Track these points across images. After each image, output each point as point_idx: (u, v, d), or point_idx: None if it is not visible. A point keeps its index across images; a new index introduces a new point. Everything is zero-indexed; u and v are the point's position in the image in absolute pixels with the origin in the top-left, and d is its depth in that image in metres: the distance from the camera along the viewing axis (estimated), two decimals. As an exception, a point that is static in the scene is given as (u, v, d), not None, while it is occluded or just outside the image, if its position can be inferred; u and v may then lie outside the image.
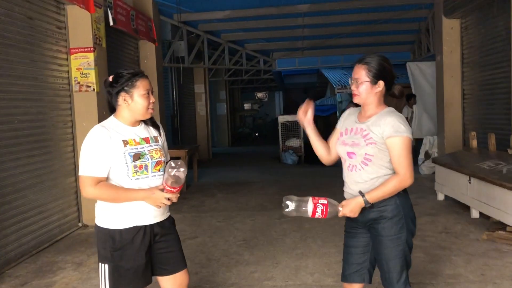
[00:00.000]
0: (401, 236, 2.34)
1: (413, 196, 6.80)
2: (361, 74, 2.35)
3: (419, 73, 9.96)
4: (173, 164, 2.27)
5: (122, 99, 2.31)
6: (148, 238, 2.34)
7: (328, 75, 14.92)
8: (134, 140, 2.33)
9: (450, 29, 8.16)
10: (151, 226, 2.35)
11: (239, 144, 19.34)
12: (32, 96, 5.07)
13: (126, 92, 2.29)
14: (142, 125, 2.43)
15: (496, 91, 7.06)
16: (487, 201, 5.05)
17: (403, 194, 2.38)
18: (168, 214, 2.50)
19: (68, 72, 5.80)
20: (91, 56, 5.81)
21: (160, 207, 2.32)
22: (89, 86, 5.83)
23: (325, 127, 18.05)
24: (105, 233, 2.28)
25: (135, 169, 2.27)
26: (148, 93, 2.33)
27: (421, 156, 9.16)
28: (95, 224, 2.35)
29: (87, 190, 2.23)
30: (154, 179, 2.34)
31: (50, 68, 5.46)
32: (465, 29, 8.03)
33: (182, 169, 2.27)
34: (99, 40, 6.02)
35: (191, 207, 6.93)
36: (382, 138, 2.30)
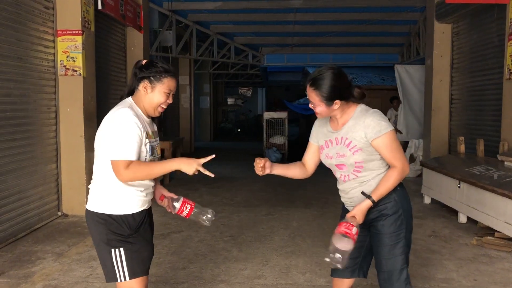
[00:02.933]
0: (400, 233, 2.32)
1: (399, 198, 6.83)
2: (314, 98, 2.28)
3: (407, 76, 9.97)
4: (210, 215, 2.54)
5: (143, 86, 2.25)
6: (147, 219, 2.40)
7: (315, 74, 14.85)
8: (152, 133, 2.32)
9: (442, 34, 8.17)
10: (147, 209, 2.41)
11: (221, 139, 19.17)
12: (15, 77, 4.83)
13: (150, 82, 2.24)
14: (150, 118, 2.40)
15: (485, 97, 7.09)
16: (477, 206, 5.05)
17: (400, 189, 2.35)
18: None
19: (54, 54, 5.57)
20: (79, 39, 5.59)
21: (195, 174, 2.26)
22: (76, 71, 5.61)
23: (308, 126, 18.08)
24: (117, 219, 2.23)
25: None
26: (169, 94, 2.29)
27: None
28: (97, 213, 2.25)
29: (123, 174, 2.14)
30: None
31: (36, 49, 5.23)
32: (456, 34, 8.05)
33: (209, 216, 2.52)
34: (88, 24, 5.80)
35: (174, 200, 6.76)
36: (366, 141, 2.27)
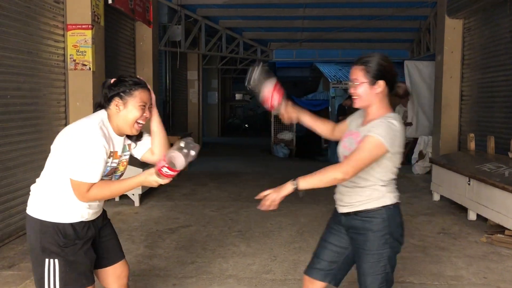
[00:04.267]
0: (383, 252, 2.17)
1: (407, 195, 6.80)
2: (359, 75, 2.18)
3: (417, 72, 9.89)
4: (182, 145, 1.97)
5: (114, 104, 2.14)
6: (93, 232, 2.26)
7: (323, 69, 14.81)
8: (117, 153, 2.20)
9: (453, 29, 8.09)
10: (95, 220, 2.28)
11: (229, 134, 19.17)
12: (25, 71, 4.85)
13: (121, 98, 2.13)
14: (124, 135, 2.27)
15: (496, 94, 7.02)
16: (487, 204, 5.00)
17: (393, 208, 2.20)
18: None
19: (64, 48, 5.58)
20: (88, 34, 5.60)
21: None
22: (85, 65, 5.62)
23: (316, 121, 18.00)
24: (53, 227, 2.10)
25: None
26: (144, 106, 2.16)
27: (415, 155, 9.13)
28: (34, 218, 2.13)
29: (84, 195, 2.08)
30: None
31: (46, 43, 5.24)
32: (467, 30, 7.97)
33: (192, 153, 2.00)
34: (98, 18, 5.81)
35: (182, 195, 6.78)
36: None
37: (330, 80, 13.35)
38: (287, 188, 2.14)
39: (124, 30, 7.67)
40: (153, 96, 2.26)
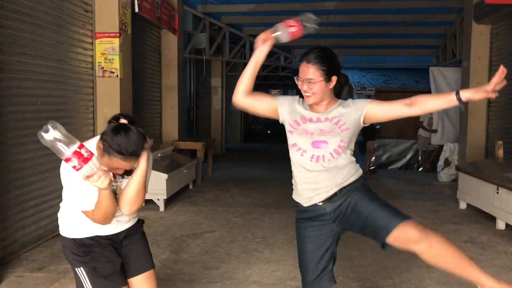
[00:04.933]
0: (373, 193, 2.30)
1: (433, 203, 6.71)
2: (314, 74, 2.25)
3: (442, 78, 9.77)
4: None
5: (99, 141, 2.06)
6: (115, 242, 2.31)
7: (348, 75, 14.76)
8: None
9: (480, 35, 7.96)
10: (116, 234, 2.31)
11: (251, 140, 19.22)
12: (56, 78, 4.99)
13: (103, 145, 2.03)
14: None
15: (525, 100, 6.88)
16: (516, 213, 4.90)
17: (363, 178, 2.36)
18: (135, 219, 2.41)
19: (92, 56, 5.72)
20: (116, 42, 5.72)
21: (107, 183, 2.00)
22: (113, 72, 5.74)
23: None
24: (72, 241, 2.25)
25: None
26: (115, 169, 2.08)
27: (441, 163, 9.00)
28: (60, 235, 2.31)
29: (95, 220, 2.15)
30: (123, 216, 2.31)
31: (75, 51, 5.38)
32: (495, 35, 7.83)
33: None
34: (125, 26, 5.93)
35: (206, 200, 6.83)
36: (359, 116, 2.27)
37: (353, 87, 13.27)
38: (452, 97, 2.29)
39: (150, 38, 7.81)
40: (142, 160, 2.12)
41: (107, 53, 5.73)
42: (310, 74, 2.25)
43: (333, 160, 2.26)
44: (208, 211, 6.11)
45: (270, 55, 12.99)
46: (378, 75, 13.95)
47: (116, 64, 5.74)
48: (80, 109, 5.50)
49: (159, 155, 6.87)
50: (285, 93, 25.96)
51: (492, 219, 5.51)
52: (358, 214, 2.23)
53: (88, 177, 1.93)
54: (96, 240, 2.24)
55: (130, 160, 2.03)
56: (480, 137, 8.09)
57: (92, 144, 2.14)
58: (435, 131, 9.46)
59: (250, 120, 22.26)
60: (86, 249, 2.23)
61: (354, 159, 2.35)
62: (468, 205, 6.30)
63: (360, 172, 2.36)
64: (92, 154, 1.93)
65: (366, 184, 2.36)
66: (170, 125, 8.42)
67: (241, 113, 17.89)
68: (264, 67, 14.90)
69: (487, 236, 5.09)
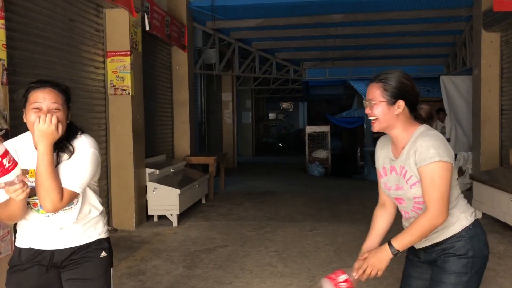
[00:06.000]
0: (463, 276, 1.94)
1: (448, 213, 6.61)
2: (376, 94, 1.97)
3: (453, 87, 9.72)
4: None
5: (24, 115, 1.94)
6: (48, 263, 1.98)
7: (357, 87, 14.74)
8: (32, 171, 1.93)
9: (490, 43, 7.93)
10: (52, 252, 1.98)
11: (263, 153, 19.24)
12: (69, 97, 5.07)
13: (24, 106, 1.93)
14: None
15: (538, 107, 6.81)
16: (533, 221, 4.82)
17: (473, 228, 1.99)
18: (85, 240, 2.02)
19: (104, 75, 5.82)
20: (127, 60, 5.81)
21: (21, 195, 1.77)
22: (124, 90, 5.83)
23: (352, 139, 17.85)
24: (14, 249, 2.06)
25: (28, 206, 1.93)
26: (38, 108, 1.87)
27: (455, 172, 8.90)
28: None
29: None
30: (57, 216, 1.95)
31: (87, 70, 5.48)
32: (505, 42, 7.79)
33: None
34: (136, 44, 6.03)
35: (219, 215, 6.84)
36: (416, 170, 1.94)
37: (364, 97, 13.25)
38: (386, 258, 1.93)
39: (161, 55, 7.91)
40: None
41: (119, 71, 5.82)
42: (371, 94, 1.99)
43: (417, 215, 1.98)
44: (221, 226, 6.12)
45: (279, 68, 13.07)
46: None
47: (128, 82, 5.82)
48: (93, 127, 5.58)
49: (172, 170, 6.92)
50: (295, 105, 26.07)
51: (509, 228, 5.43)
52: (432, 279, 2.04)
53: (4, 185, 1.73)
54: (22, 258, 1.96)
55: (45, 89, 1.89)
56: (494, 145, 8.00)
57: (25, 136, 2.00)
58: (448, 140, 9.39)
59: (261, 133, 22.30)
60: (15, 263, 1.99)
61: (451, 210, 1.96)
62: (484, 214, 6.21)
63: (462, 223, 1.98)
64: (15, 165, 1.73)
65: (468, 249, 1.96)
66: (182, 141, 8.48)
67: (252, 127, 17.97)
68: (274, 80, 14.98)
69: (504, 246, 5.01)
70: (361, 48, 11.34)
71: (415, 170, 1.93)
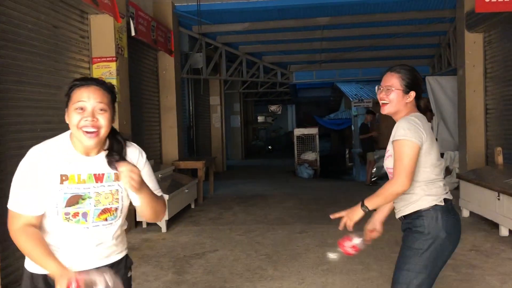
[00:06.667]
0: (423, 254, 2.16)
1: (436, 212, 6.67)
2: (394, 82, 2.29)
3: (439, 88, 9.82)
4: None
5: (65, 115, 1.78)
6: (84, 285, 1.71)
7: (344, 89, 14.82)
8: (78, 176, 1.74)
9: (473, 43, 8.04)
10: (87, 271, 1.74)
11: (252, 157, 19.24)
12: (55, 104, 5.02)
13: (66, 106, 1.77)
14: (102, 156, 1.80)
15: (522, 106, 6.91)
16: (518, 219, 4.89)
17: (433, 211, 2.19)
18: (121, 254, 1.90)
19: (90, 81, 5.77)
20: (113, 66, 5.79)
21: None
22: (111, 96, 5.79)
23: (340, 140, 17.94)
24: (28, 277, 1.79)
25: (66, 216, 1.71)
26: (82, 108, 1.70)
27: (442, 171, 8.98)
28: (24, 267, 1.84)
29: (10, 229, 1.72)
30: (97, 229, 1.76)
31: (73, 76, 5.43)
32: (488, 43, 7.90)
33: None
34: (121, 50, 6.01)
35: (208, 219, 6.83)
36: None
37: (351, 99, 13.34)
38: (359, 213, 2.31)
39: (147, 60, 7.89)
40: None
41: (105, 77, 5.78)
42: (390, 81, 2.30)
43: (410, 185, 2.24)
44: (210, 230, 6.10)
45: (267, 71, 13.09)
46: (375, 86, 14.10)
47: (114, 88, 5.78)
48: (80, 134, 5.53)
49: (160, 175, 6.88)
50: (283, 108, 26.14)
51: (495, 226, 5.49)
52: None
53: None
54: (53, 285, 1.64)
55: (90, 86, 1.72)
56: (480, 144, 8.10)
57: (61, 140, 1.80)
58: (436, 140, 9.48)
59: (250, 136, 22.31)
60: None
61: (415, 185, 2.22)
62: (471, 213, 6.28)
63: (422, 204, 2.22)
64: None
65: (438, 231, 2.19)
66: (170, 145, 8.45)
67: (241, 130, 17.96)
68: (261, 83, 15.01)
69: (491, 243, 5.07)
70: (347, 51, 11.42)
71: (391, 145, 2.27)
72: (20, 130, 4.41)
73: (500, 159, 6.48)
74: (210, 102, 13.76)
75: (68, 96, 1.76)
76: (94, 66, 5.79)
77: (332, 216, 2.35)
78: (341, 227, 2.35)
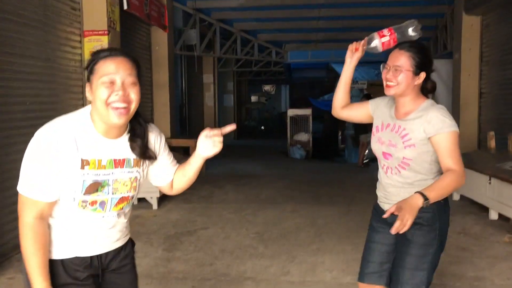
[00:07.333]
0: (430, 248, 2.09)
1: (427, 195, 6.70)
2: (403, 61, 2.06)
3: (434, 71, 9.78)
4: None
5: (87, 90, 1.60)
6: (94, 270, 1.71)
7: (339, 70, 14.71)
8: (99, 161, 1.60)
9: (470, 26, 7.98)
10: (99, 256, 1.72)
11: (245, 137, 19.19)
12: (44, 77, 4.93)
13: (89, 80, 1.59)
14: (125, 139, 1.67)
15: (516, 91, 6.90)
16: (509, 203, 4.91)
17: (444, 204, 2.11)
18: (127, 238, 1.85)
19: (81, 55, 5.66)
20: (105, 40, 5.66)
21: None
22: (102, 70, 5.68)
23: (333, 122, 17.90)
24: (59, 264, 1.68)
25: (83, 203, 1.60)
26: (111, 81, 1.54)
27: (434, 155, 9.01)
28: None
29: (21, 218, 1.57)
30: (110, 217, 1.69)
31: (63, 50, 5.32)
32: (485, 26, 7.85)
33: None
34: (113, 24, 5.88)
35: (200, 197, 6.81)
36: (424, 137, 2.05)
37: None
38: (417, 205, 1.87)
39: (140, 35, 7.75)
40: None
41: (96, 51, 5.66)
42: (399, 61, 2.07)
43: (398, 174, 2.13)
44: (201, 208, 6.09)
45: (261, 50, 12.95)
46: (370, 68, 13.96)
47: (106, 62, 5.67)
48: (70, 108, 5.43)
49: (152, 153, 6.83)
50: (277, 88, 26.01)
51: (485, 209, 5.52)
52: (399, 253, 2.16)
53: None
54: (69, 271, 1.64)
55: (118, 57, 1.56)
56: (472, 128, 8.12)
57: (82, 119, 1.62)
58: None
59: (243, 116, 22.21)
60: (64, 280, 1.64)
61: (429, 176, 2.10)
62: (461, 196, 6.31)
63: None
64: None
65: (436, 221, 2.09)
66: (162, 123, 8.37)
67: (234, 109, 17.86)
68: (255, 62, 14.88)
69: (480, 226, 5.10)
70: (344, 31, 11.30)
71: (418, 136, 2.05)
72: (9, 103, 4.32)
73: (492, 143, 6.49)
74: (203, 80, 13.62)
75: (90, 69, 1.57)
76: (86, 39, 5.66)
77: (386, 216, 1.93)
78: (395, 230, 1.80)
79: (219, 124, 14.62)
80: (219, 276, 3.73)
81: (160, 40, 8.27)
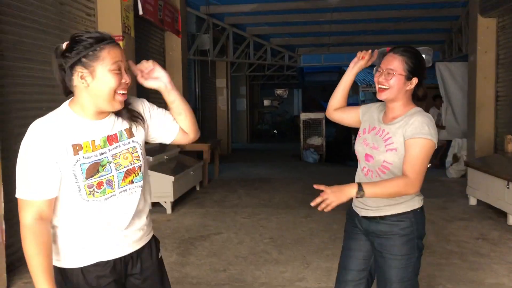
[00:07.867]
0: (411, 257, 2.09)
1: (442, 200, 6.62)
2: (396, 65, 2.05)
3: (448, 74, 9.68)
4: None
5: (78, 76, 1.54)
6: (118, 275, 1.69)
7: (352, 74, 14.66)
8: (92, 142, 1.59)
9: (486, 29, 7.87)
10: (122, 259, 1.69)
11: (258, 140, 19.18)
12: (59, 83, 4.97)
13: (85, 65, 1.53)
14: (112, 117, 1.66)
15: (534, 93, 6.78)
16: (527, 208, 4.82)
17: (420, 212, 2.13)
18: (149, 236, 1.84)
19: (96, 60, 5.70)
20: (119, 45, 5.70)
21: None
22: (117, 75, 5.73)
23: (346, 126, 17.79)
24: (58, 273, 1.63)
25: (90, 189, 1.57)
26: (119, 68, 1.56)
27: (449, 158, 8.90)
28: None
29: (22, 221, 1.57)
30: (124, 196, 1.65)
31: (79, 55, 5.37)
32: (501, 28, 7.74)
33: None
34: (128, 29, 5.92)
35: (213, 202, 6.81)
36: (403, 141, 2.04)
37: (359, 84, 13.22)
38: (349, 195, 1.95)
39: (154, 40, 7.80)
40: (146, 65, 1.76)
41: (111, 56, 5.71)
42: (392, 64, 2.06)
43: (378, 178, 2.11)
44: (215, 213, 6.09)
45: (274, 54, 12.95)
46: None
47: (120, 67, 5.72)
48: (85, 113, 5.49)
49: (165, 157, 6.85)
50: (290, 92, 25.95)
51: (503, 214, 5.43)
52: (380, 266, 2.16)
53: None
54: (92, 281, 1.61)
55: (116, 45, 1.60)
56: (489, 132, 8.00)
57: (60, 112, 1.62)
58: (444, 127, 9.38)
59: (256, 120, 22.21)
60: None
61: None
62: (478, 201, 6.22)
63: (414, 204, 2.11)
64: None
65: (413, 230, 2.09)
66: (176, 127, 8.39)
67: (247, 113, 17.87)
68: (268, 66, 14.88)
69: (499, 232, 5.01)
70: (356, 34, 11.25)
71: (400, 140, 2.04)
72: (25, 108, 4.37)
73: (510, 147, 6.38)
74: (216, 85, 13.66)
75: (92, 55, 1.54)
76: (100, 45, 5.70)
77: (316, 187, 1.98)
78: (315, 203, 1.93)
79: (232, 127, 14.64)
80: (233, 282, 3.72)
81: (173, 45, 8.31)
